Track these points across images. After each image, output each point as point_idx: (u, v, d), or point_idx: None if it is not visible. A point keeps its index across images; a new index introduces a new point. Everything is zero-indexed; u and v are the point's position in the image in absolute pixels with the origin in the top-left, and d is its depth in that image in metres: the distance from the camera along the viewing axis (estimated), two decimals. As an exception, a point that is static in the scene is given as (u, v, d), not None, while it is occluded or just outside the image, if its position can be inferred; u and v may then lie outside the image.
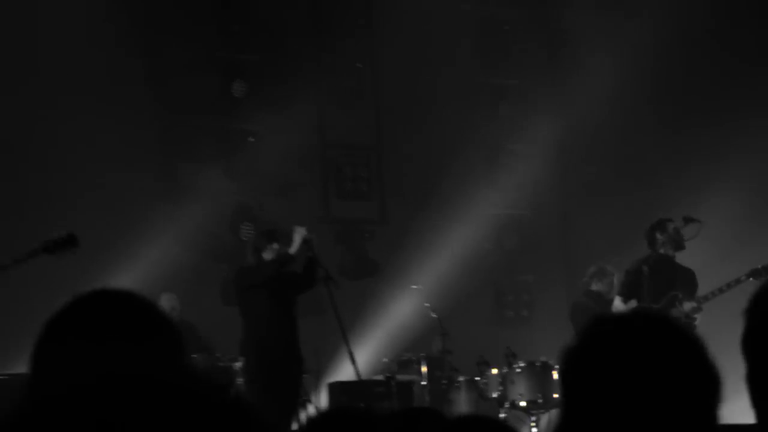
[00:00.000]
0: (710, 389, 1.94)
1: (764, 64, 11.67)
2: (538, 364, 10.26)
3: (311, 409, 9.68)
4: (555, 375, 10.23)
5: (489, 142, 13.22)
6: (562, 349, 1.98)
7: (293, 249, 8.70)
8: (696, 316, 9.05)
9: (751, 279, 9.20)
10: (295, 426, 8.49)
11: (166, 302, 10.21)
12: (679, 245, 9.48)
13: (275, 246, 8.80)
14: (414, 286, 10.89)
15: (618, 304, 9.76)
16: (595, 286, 10.42)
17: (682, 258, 9.65)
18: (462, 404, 10.18)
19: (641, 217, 10.80)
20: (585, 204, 13.19)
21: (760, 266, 9.27)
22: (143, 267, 10.52)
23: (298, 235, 8.74)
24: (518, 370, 10.21)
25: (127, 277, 10.06)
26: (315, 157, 12.55)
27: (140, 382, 1.05)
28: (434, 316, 10.65)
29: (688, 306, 9.11)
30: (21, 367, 7.32)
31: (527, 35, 13.08)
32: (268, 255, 8.80)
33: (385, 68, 12.78)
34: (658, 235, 9.49)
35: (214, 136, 11.93)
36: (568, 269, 13.20)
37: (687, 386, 1.94)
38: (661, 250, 9.48)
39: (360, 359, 9.31)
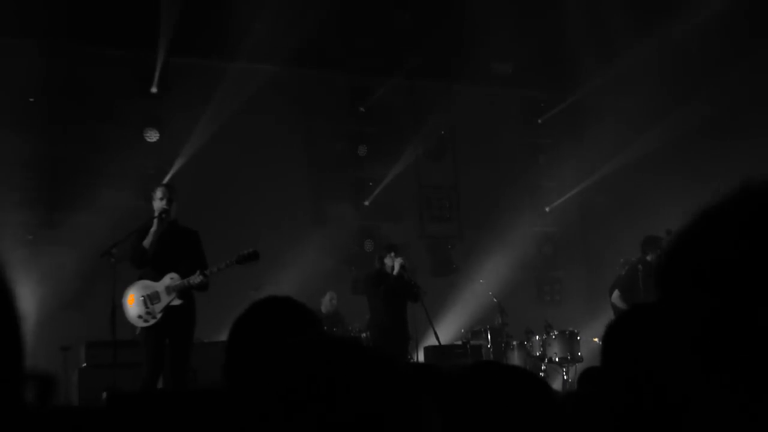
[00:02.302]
0: None
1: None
2: (567, 332, 10.15)
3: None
4: (579, 338, 10.16)
5: (531, 181, 13.14)
6: (606, 325, 2.03)
7: (395, 272, 8.74)
8: None
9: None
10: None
11: (329, 297, 10.39)
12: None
13: (392, 254, 8.86)
14: (481, 281, 10.86)
15: (616, 296, 9.53)
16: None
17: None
18: (515, 360, 10.08)
19: (637, 234, 10.68)
20: (598, 223, 12.98)
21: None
22: (300, 272, 10.54)
23: (397, 263, 8.76)
24: (553, 336, 10.11)
25: (289, 279, 10.17)
26: (413, 194, 12.54)
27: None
28: (495, 300, 10.63)
29: None
30: (224, 336, 7.52)
31: (556, 109, 12.97)
32: (387, 260, 8.87)
33: (460, 133, 12.73)
34: (648, 250, 9.22)
35: (347, 182, 12.01)
36: (587, 268, 13.09)
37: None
38: (648, 258, 9.25)
39: (445, 330, 9.27)
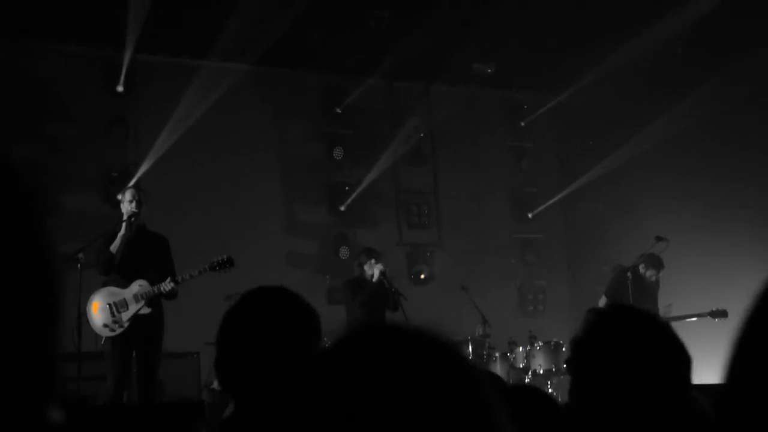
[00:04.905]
0: (683, 364, 1.93)
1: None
2: (551, 343, 10.12)
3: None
4: (564, 350, 10.17)
5: (514, 186, 13.08)
6: (572, 336, 2.04)
7: (375, 279, 8.77)
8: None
9: (710, 317, 8.84)
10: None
11: None
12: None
13: (372, 261, 8.89)
14: (462, 288, 10.72)
15: (603, 302, 9.54)
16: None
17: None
18: (497, 372, 9.64)
19: (623, 241, 10.74)
20: (582, 229, 12.96)
21: (717, 309, 8.84)
22: (273, 280, 10.24)
23: (377, 269, 8.80)
24: (537, 347, 10.10)
25: (261, 285, 10.01)
26: (391, 200, 12.43)
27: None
28: (477, 308, 10.46)
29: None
30: (192, 347, 7.43)
31: (540, 111, 12.90)
32: (368, 267, 8.90)
33: (440, 136, 12.64)
34: (649, 265, 9.35)
35: (321, 186, 11.88)
36: (571, 277, 13.08)
37: (665, 362, 1.91)
38: (644, 272, 9.36)
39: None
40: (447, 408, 0.85)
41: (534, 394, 2.20)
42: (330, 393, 0.86)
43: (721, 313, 8.74)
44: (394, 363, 0.88)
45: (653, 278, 9.44)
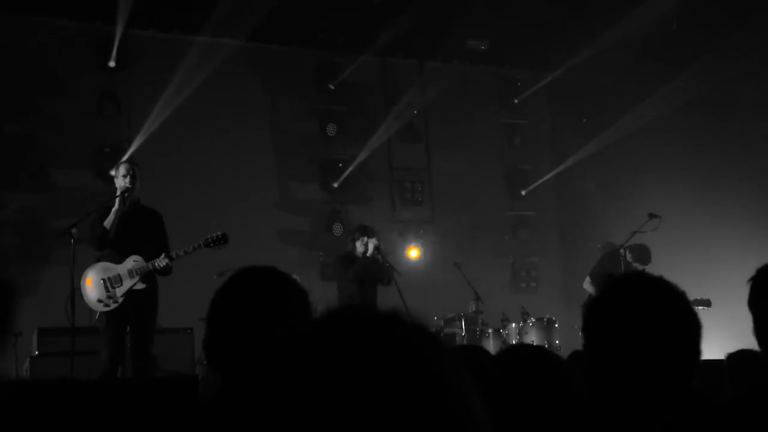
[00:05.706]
0: (694, 330, 1.94)
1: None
2: (544, 319, 10.20)
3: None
4: (556, 326, 10.25)
5: (507, 164, 13.07)
6: (587, 300, 2.09)
7: (369, 253, 8.79)
8: None
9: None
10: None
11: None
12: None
13: (365, 238, 8.92)
14: (455, 265, 10.67)
15: (587, 282, 9.64)
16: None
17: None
18: (490, 349, 9.58)
19: (616, 218, 10.78)
20: (574, 206, 13.00)
21: (701, 297, 8.60)
22: (266, 257, 10.26)
23: (371, 244, 8.82)
24: (530, 323, 10.17)
25: (254, 261, 10.06)
26: (384, 176, 12.44)
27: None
28: (470, 285, 10.41)
29: None
30: (186, 323, 7.46)
31: (534, 88, 12.85)
32: (359, 244, 8.89)
33: (433, 113, 12.62)
34: (635, 256, 9.27)
35: (314, 162, 11.85)
36: (563, 253, 13.11)
37: (676, 326, 1.91)
38: (629, 259, 9.35)
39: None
40: (418, 395, 0.87)
41: (536, 352, 2.24)
42: (304, 379, 0.88)
43: (704, 302, 8.67)
44: (367, 351, 0.89)
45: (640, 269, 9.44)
